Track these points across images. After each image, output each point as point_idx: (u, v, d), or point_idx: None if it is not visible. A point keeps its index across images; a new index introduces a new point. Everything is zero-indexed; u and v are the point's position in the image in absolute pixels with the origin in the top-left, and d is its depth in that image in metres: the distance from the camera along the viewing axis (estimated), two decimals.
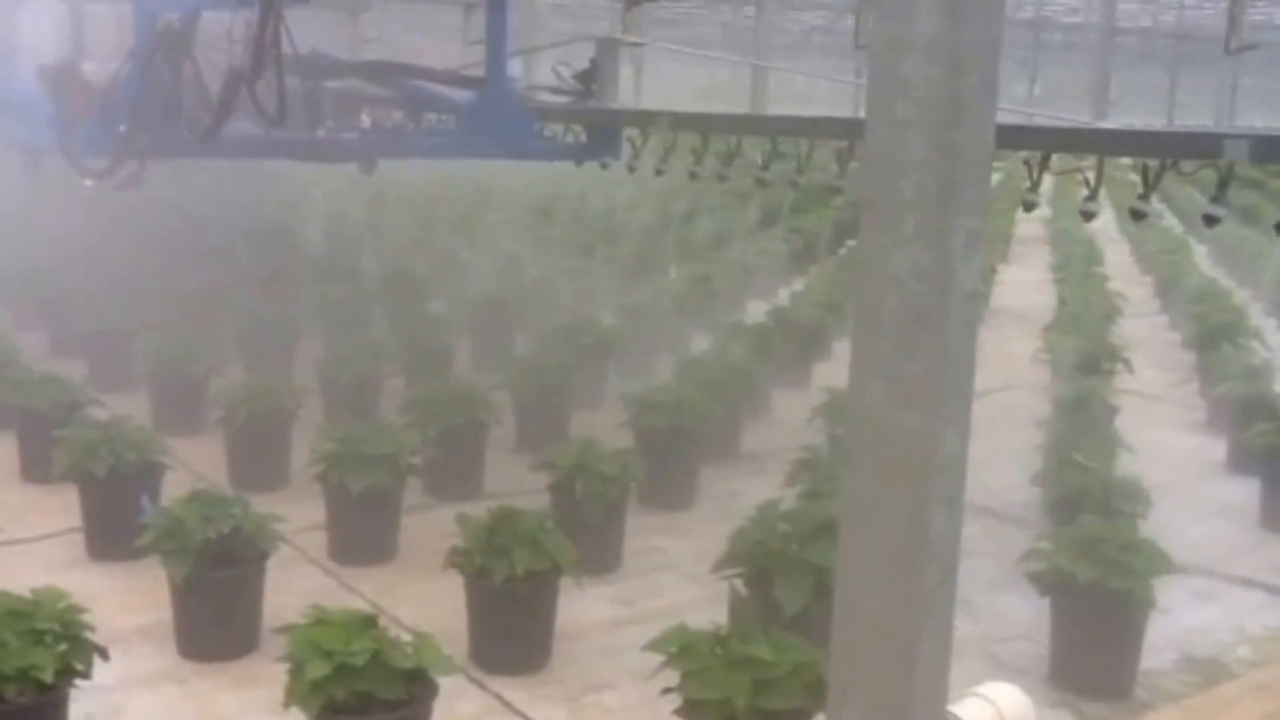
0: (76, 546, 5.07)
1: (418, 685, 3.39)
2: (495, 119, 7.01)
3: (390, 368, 7.07)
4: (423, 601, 4.62)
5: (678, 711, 3.40)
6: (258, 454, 5.84)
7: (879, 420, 2.68)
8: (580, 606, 4.70)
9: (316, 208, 13.90)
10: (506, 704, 4.07)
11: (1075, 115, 8.86)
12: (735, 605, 3.45)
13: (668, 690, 3.41)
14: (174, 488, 5.13)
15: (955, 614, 2.79)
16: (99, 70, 5.87)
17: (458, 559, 4.27)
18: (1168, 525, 5.18)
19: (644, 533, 5.51)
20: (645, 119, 7.08)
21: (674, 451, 5.90)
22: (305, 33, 7.95)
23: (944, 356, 2.56)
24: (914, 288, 2.59)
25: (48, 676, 3.24)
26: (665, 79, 27.46)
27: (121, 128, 5.48)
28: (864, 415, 2.71)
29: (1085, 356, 7.58)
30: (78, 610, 3.50)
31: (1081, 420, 6.03)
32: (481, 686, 4.17)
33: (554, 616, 4.38)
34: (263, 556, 4.33)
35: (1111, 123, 8.24)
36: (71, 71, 6.15)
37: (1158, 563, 4.20)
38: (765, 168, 6.35)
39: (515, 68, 7.92)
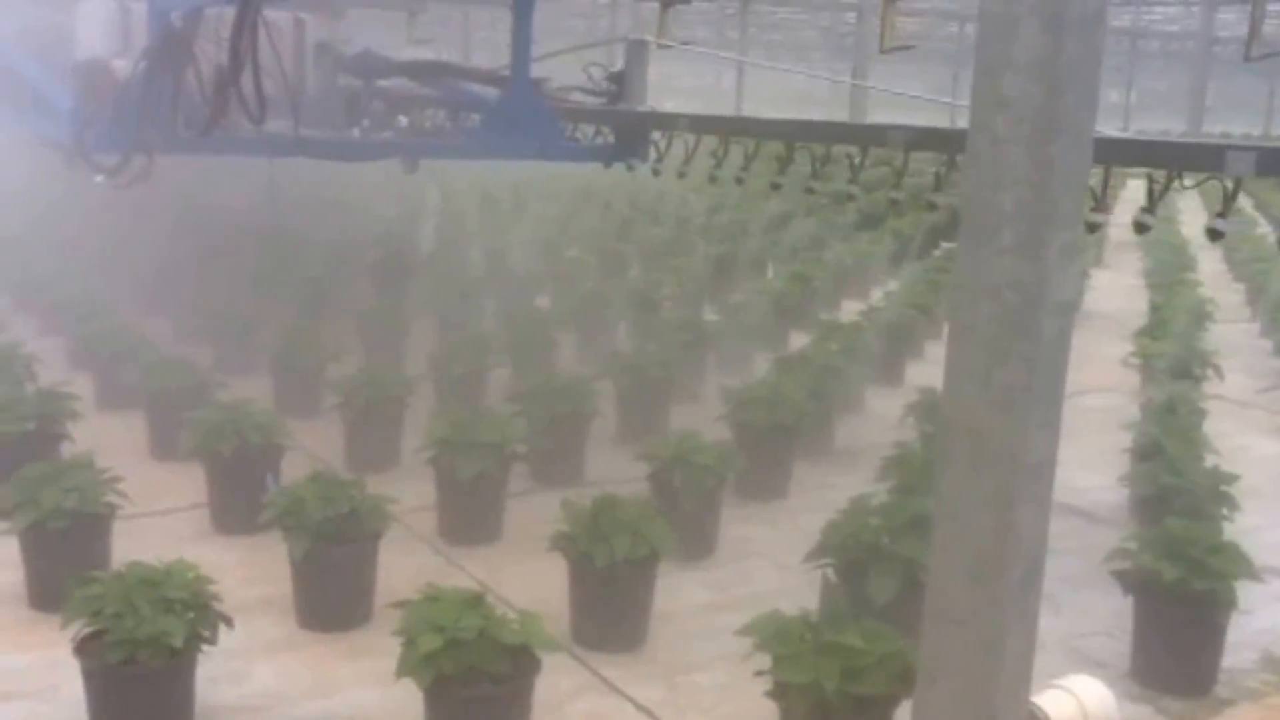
0: (202, 521, 5.24)
1: (523, 660, 3.49)
2: (522, 120, 6.99)
3: (498, 359, 7.18)
4: (527, 581, 4.71)
5: (768, 694, 3.46)
6: (372, 437, 5.99)
7: (971, 423, 2.71)
8: (676, 591, 4.78)
9: (405, 204, 14.08)
10: (605, 681, 4.15)
11: (1171, 124, 8.70)
12: (826, 594, 3.49)
13: (760, 673, 3.47)
14: (292, 468, 5.31)
15: (1040, 609, 2.81)
16: (128, 67, 6.01)
17: (562, 543, 4.36)
18: (1254, 529, 5.11)
19: (739, 522, 5.56)
20: (667, 121, 7.03)
21: (770, 445, 5.93)
22: (364, 33, 8.06)
23: (1037, 365, 2.58)
24: (1010, 298, 2.61)
25: (177, 642, 3.38)
26: (765, 84, 27.38)
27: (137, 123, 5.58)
28: (957, 418, 2.74)
29: (1175, 361, 7.46)
30: (205, 581, 3.64)
31: (1170, 423, 5.96)
32: (582, 664, 4.25)
33: (651, 600, 4.46)
34: (377, 535, 4.45)
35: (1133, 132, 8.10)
36: (103, 68, 6.28)
37: (1241, 565, 4.15)
38: (853, 180, 6.31)
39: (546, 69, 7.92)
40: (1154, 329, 8.58)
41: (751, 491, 5.85)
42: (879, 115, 19.10)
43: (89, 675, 3.46)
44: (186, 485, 5.40)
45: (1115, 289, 12.41)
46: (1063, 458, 2.75)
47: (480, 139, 7.46)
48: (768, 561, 5.23)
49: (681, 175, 7.26)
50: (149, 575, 3.56)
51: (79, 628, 3.52)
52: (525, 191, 15.23)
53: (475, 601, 3.52)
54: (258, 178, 10.98)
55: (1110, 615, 4.56)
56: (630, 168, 7.81)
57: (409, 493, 5.50)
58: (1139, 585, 4.23)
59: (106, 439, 5.89)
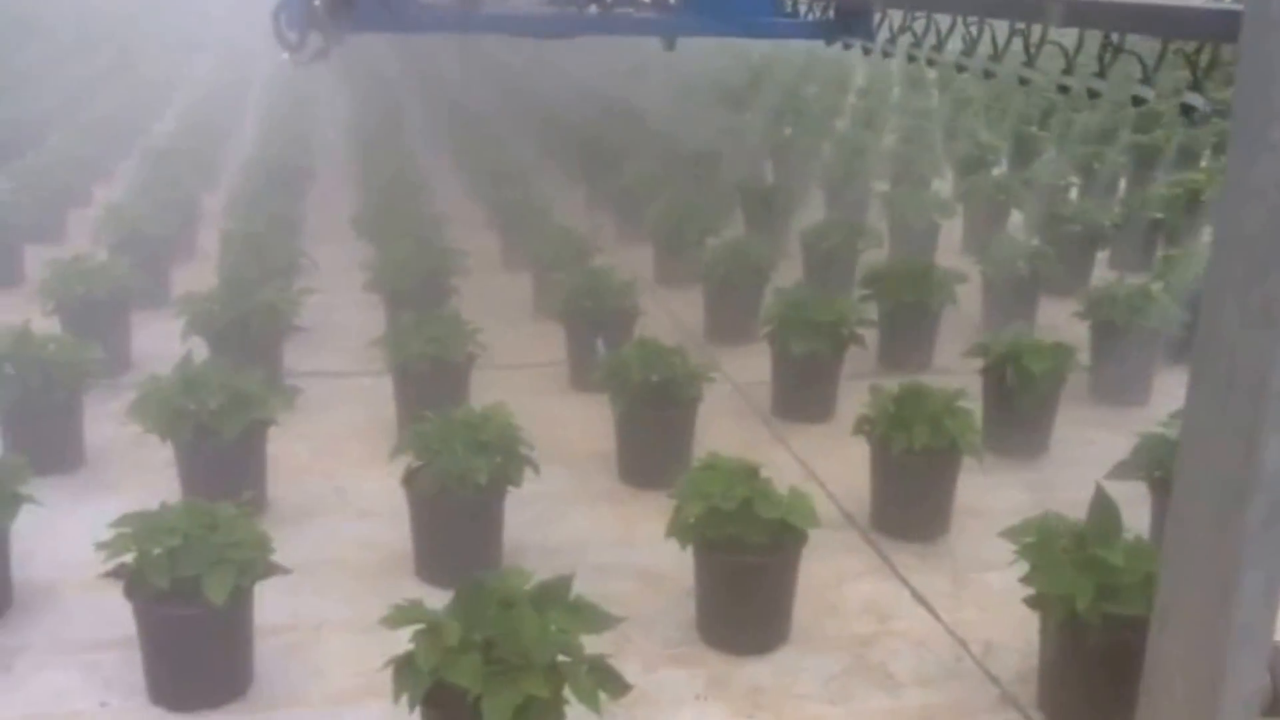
0: (561, 377, 5.59)
1: (787, 534, 3.51)
2: None
3: (871, 241, 7.02)
4: (844, 462, 4.68)
5: (1026, 600, 3.30)
6: (731, 309, 6.09)
7: (1226, 339, 2.41)
8: (993, 489, 4.60)
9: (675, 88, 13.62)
10: (892, 566, 4.10)
11: None
12: (1098, 506, 3.24)
13: (1023, 579, 3.31)
14: (655, 332, 5.46)
15: None
16: None
17: (865, 426, 4.30)
18: None
19: (1082, 425, 5.23)
20: None
21: (1132, 347, 5.50)
22: None
23: None
24: (1276, 200, 2.29)
25: (482, 479, 3.66)
26: None
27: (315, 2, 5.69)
28: (1212, 333, 2.45)
29: None
30: (517, 428, 3.90)
31: None
32: (873, 547, 4.22)
33: (952, 492, 4.32)
34: (694, 401, 4.57)
35: None
36: None
37: None
38: (1100, 75, 5.48)
39: None
40: None
41: (1106, 395, 5.49)
42: None
43: (413, 503, 3.84)
44: (556, 344, 5.72)
45: None
46: None
47: (685, 16, 7.07)
48: (1102, 469, 4.88)
49: (920, 59, 6.49)
50: (470, 419, 3.86)
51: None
52: (812, 73, 14.45)
53: (749, 474, 3.57)
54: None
55: None
56: (847, 47, 7.03)
57: (753, 367, 5.61)
58: None
59: (496, 297, 6.39)
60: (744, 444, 4.75)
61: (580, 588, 2.95)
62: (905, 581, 4.01)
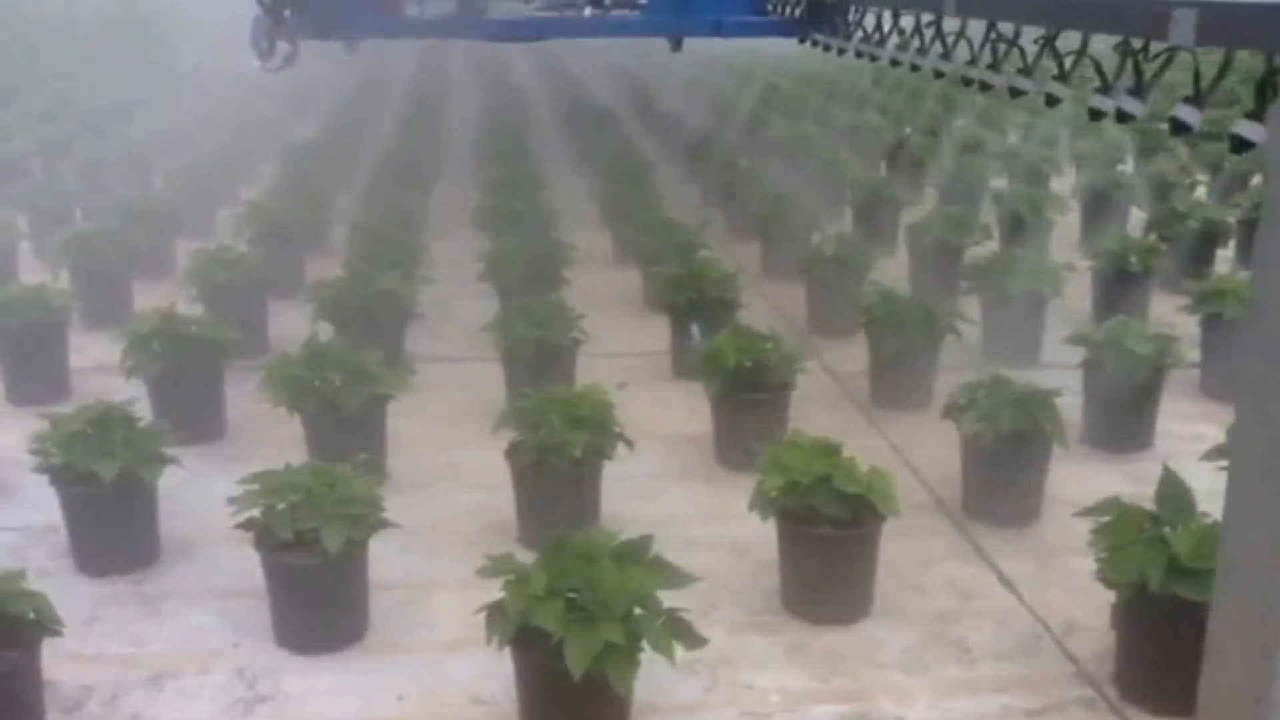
0: (665, 365, 5.80)
1: (866, 510, 3.67)
2: None
3: (980, 236, 7.08)
4: (937, 449, 4.77)
5: (1099, 578, 3.40)
6: (834, 302, 6.23)
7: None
8: (1089, 477, 4.66)
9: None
10: (979, 550, 4.21)
11: None
12: (1164, 488, 3.34)
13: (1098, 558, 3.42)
14: (758, 323, 5.59)
15: None
16: None
17: (953, 412, 4.43)
18: None
19: (1190, 419, 5.24)
20: None
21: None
22: None
23: None
24: None
25: (576, 452, 3.89)
26: None
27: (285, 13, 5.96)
28: (1264, 296, 2.57)
29: None
30: (611, 406, 4.14)
31: None
32: (961, 530, 4.34)
33: (1043, 480, 4.41)
34: (786, 387, 4.75)
35: None
36: None
37: None
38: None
39: None
40: None
41: (1216, 390, 5.49)
42: None
43: (515, 474, 4.11)
44: (660, 333, 5.92)
45: None
46: None
47: (653, 16, 7.12)
48: (1209, 463, 4.91)
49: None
50: (566, 396, 4.11)
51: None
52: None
53: (829, 451, 3.74)
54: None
55: None
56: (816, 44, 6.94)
57: (853, 358, 5.75)
58: None
59: (606, 288, 6.66)
60: (838, 430, 4.84)
61: (671, 557, 3.17)
62: (991, 564, 4.12)
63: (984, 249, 6.83)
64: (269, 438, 4.80)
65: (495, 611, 2.95)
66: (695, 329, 5.14)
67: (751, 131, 10.23)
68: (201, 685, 3.37)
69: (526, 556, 3.18)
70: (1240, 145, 3.78)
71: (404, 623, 3.67)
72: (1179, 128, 4.19)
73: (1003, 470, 4.34)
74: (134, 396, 4.39)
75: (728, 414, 4.72)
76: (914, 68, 6.44)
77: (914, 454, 4.91)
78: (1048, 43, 5.38)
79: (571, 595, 2.89)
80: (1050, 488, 4.44)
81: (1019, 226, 7.40)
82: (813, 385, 5.32)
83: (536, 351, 4.97)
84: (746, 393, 4.65)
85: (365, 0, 6.94)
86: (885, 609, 3.79)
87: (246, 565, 3.60)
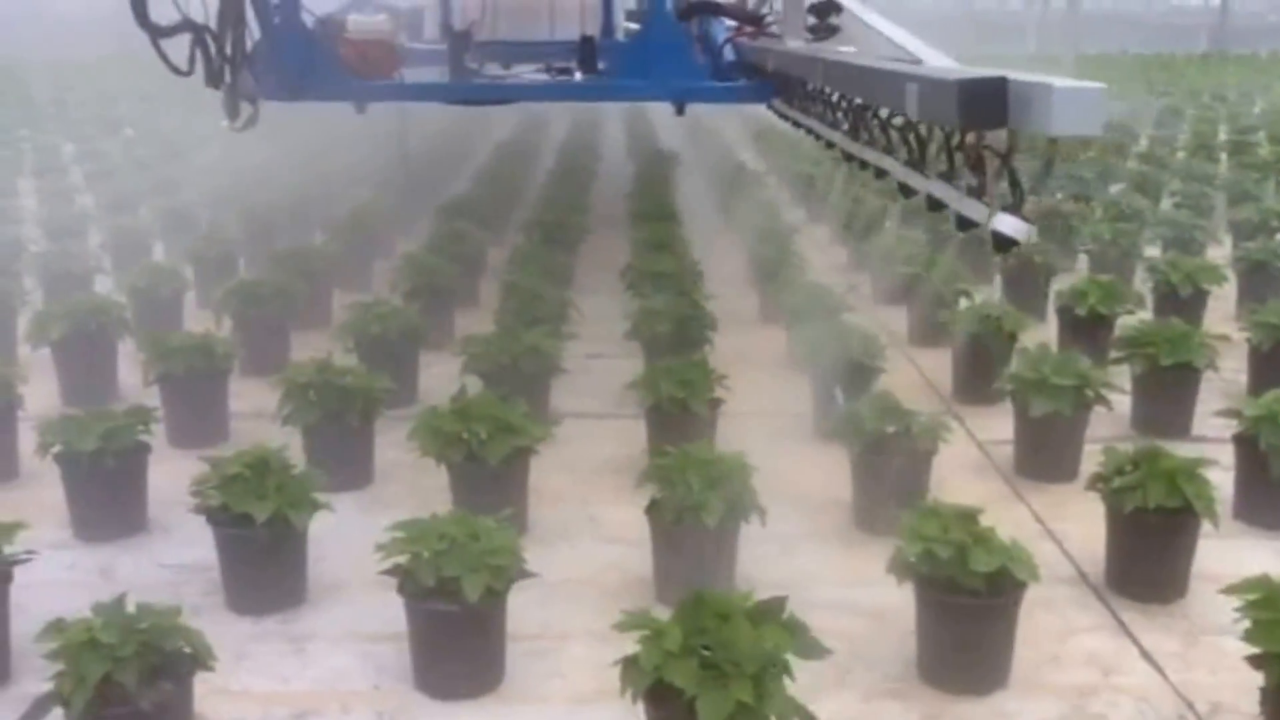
0: (806, 427, 5.80)
1: (1005, 580, 3.63)
2: (658, 60, 6.55)
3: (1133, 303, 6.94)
4: (1082, 521, 4.69)
5: (1248, 659, 3.32)
6: (980, 369, 6.16)
7: None
8: (1243, 554, 4.55)
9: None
10: (1121, 624, 4.12)
11: None
12: None
13: (1245, 638, 3.33)
14: (903, 388, 5.55)
15: None
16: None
17: (1098, 483, 4.36)
18: None
19: None
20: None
21: None
22: None
23: None
24: None
25: (712, 520, 3.94)
26: None
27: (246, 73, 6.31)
28: None
29: None
30: (749, 469, 4.18)
31: None
32: (1104, 604, 4.25)
33: (1190, 555, 4.30)
34: (927, 454, 4.74)
35: None
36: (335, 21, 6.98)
37: None
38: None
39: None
40: None
41: None
42: None
43: (654, 531, 4.19)
44: (803, 394, 5.93)
45: None
46: None
47: (612, 80, 7.12)
48: None
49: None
50: (706, 456, 4.18)
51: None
52: None
53: (967, 520, 3.73)
54: None
55: None
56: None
57: (997, 426, 5.70)
58: None
59: (751, 348, 6.73)
60: (980, 498, 4.80)
61: (806, 621, 3.18)
62: (1134, 639, 4.04)
63: (1135, 318, 6.70)
64: (415, 486, 4.97)
65: (630, 664, 3.01)
66: (838, 391, 5.17)
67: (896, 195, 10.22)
68: None
69: (660, 612, 3.24)
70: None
71: (539, 672, 3.76)
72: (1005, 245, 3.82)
73: (1149, 543, 4.25)
74: (288, 442, 4.60)
75: (867, 478, 4.72)
76: None
77: (1058, 525, 4.84)
78: None
79: (705, 652, 2.94)
80: (1199, 564, 4.33)
81: (1172, 296, 7.23)
82: (956, 452, 5.29)
83: (679, 410, 5.06)
84: (887, 457, 4.65)
85: (339, 63, 7.17)
86: (1023, 681, 3.74)
87: (390, 610, 3.74)
